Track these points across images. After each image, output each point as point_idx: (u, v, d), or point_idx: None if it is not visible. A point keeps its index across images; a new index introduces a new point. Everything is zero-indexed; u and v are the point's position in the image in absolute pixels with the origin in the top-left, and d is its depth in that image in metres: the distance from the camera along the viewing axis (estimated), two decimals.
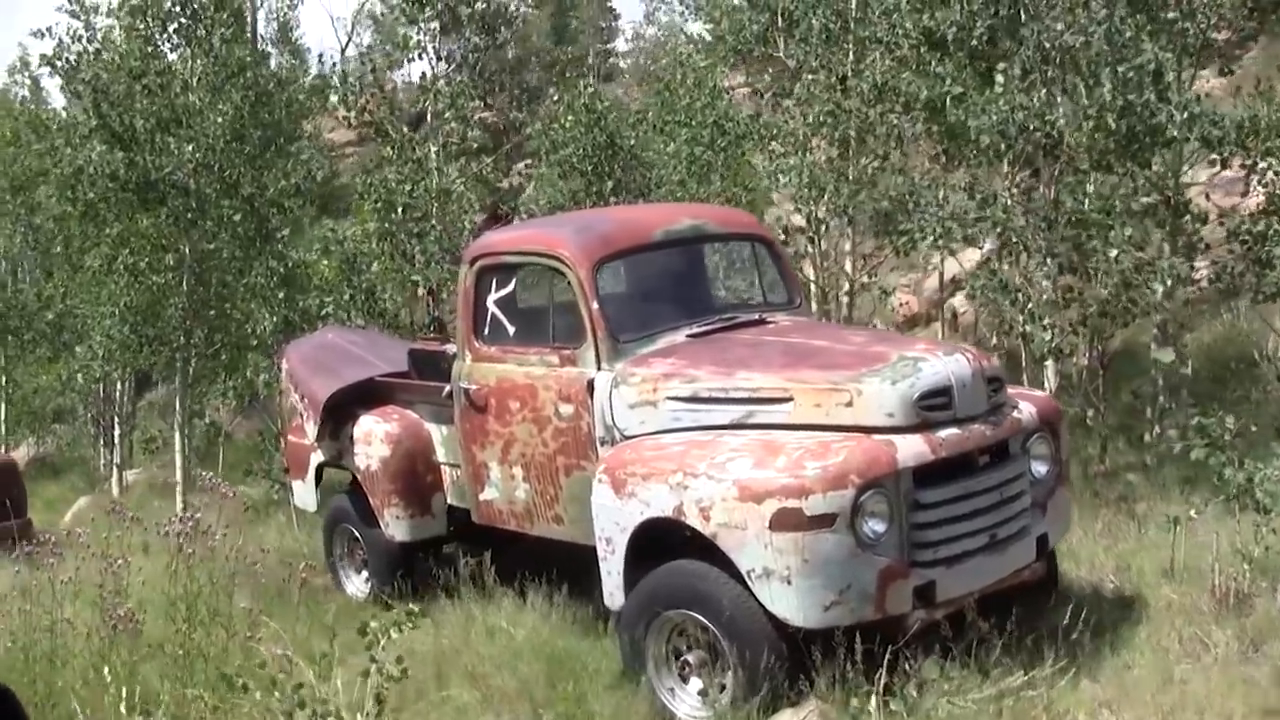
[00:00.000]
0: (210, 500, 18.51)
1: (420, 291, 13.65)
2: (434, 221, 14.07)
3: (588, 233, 8.58)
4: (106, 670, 7.56)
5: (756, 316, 8.73)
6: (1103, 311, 12.15)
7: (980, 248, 14.12)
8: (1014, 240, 12.24)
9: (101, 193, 16.17)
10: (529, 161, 15.42)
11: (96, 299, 20.98)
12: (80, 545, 9.91)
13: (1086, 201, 11.81)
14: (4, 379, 27.50)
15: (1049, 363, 12.40)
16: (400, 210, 13.96)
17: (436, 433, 9.85)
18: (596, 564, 7.77)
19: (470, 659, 7.86)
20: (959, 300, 19.69)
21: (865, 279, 14.77)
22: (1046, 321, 11.67)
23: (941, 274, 14.79)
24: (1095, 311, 12.14)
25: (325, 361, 10.96)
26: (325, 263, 14.33)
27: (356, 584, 10.70)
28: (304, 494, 11.21)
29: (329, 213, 21.03)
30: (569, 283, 8.26)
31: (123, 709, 6.58)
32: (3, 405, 26.92)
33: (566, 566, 8.80)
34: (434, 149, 14.67)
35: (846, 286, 14.66)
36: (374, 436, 9.98)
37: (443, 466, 9.86)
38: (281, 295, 15.04)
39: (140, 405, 25.03)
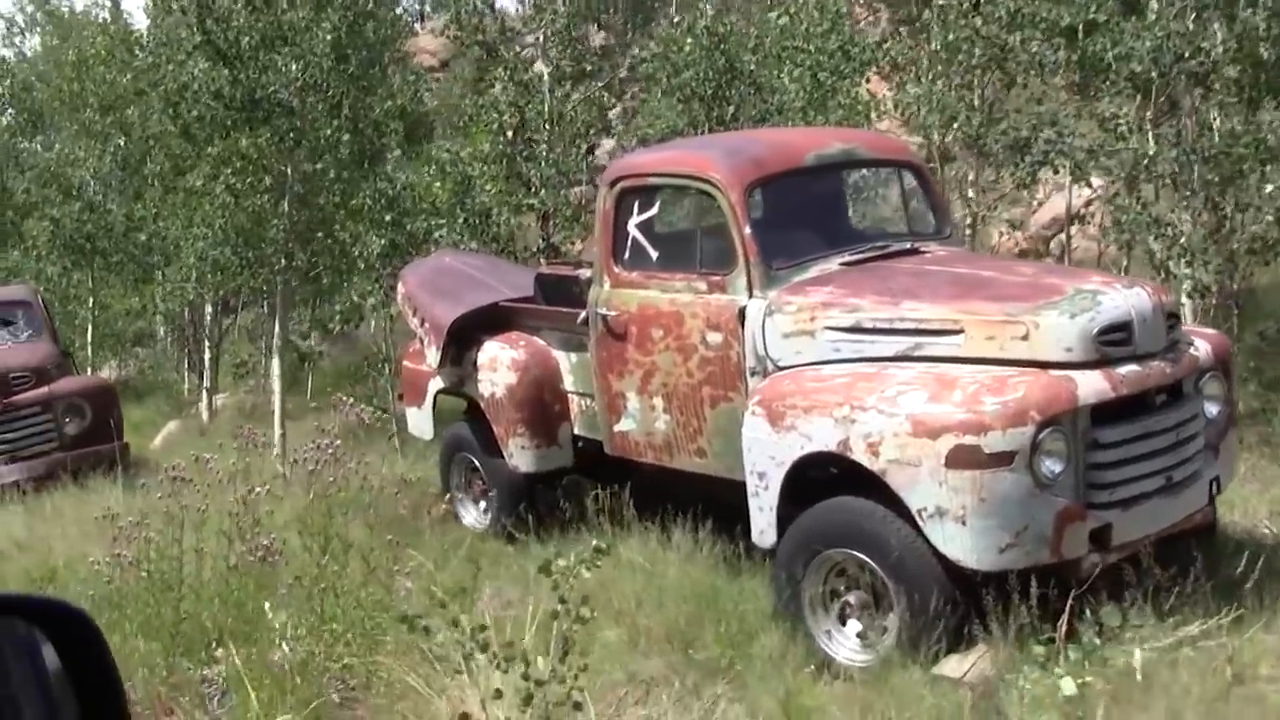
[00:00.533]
0: (319, 425, 18.55)
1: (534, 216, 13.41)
2: (546, 145, 13.79)
3: (739, 155, 8.30)
4: (251, 605, 7.44)
5: (909, 246, 8.43)
6: (1250, 249, 11.75)
7: (1090, 185, 13.71)
8: (1155, 175, 11.84)
9: (205, 111, 16.01)
10: (641, 85, 15.07)
11: (189, 220, 20.90)
12: (196, 470, 9.74)
13: (1237, 135, 11.38)
14: (91, 301, 27.51)
15: (1186, 301, 12.02)
16: (511, 133, 13.72)
17: (564, 360, 9.63)
18: (738, 499, 7.56)
19: (614, 597, 7.63)
20: (1062, 235, 19.30)
21: (987, 211, 14.42)
22: (1202, 258, 11.28)
23: (1069, 206, 14.37)
24: (1243, 249, 11.74)
25: (446, 285, 10.75)
26: (438, 185, 14.09)
27: (474, 514, 10.54)
28: (420, 421, 11.03)
29: (412, 139, 20.72)
30: (719, 206, 7.99)
31: (280, 643, 6.38)
32: (89, 328, 26.94)
33: (704, 501, 8.55)
34: (545, 71, 14.38)
35: (968, 219, 14.29)
36: (500, 363, 9.76)
37: (570, 395, 9.64)
38: (388, 218, 14.83)
39: (227, 329, 24.95)
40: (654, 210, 8.59)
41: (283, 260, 16.50)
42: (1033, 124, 12.41)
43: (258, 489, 8.17)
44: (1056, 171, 12.87)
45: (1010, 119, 12.55)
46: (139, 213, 24.94)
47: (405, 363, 11.26)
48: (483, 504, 10.48)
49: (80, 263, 26.45)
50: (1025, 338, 6.73)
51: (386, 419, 15.35)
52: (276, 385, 16.88)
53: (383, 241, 14.55)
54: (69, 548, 11.24)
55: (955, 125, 12.58)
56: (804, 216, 8.55)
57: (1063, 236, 19.58)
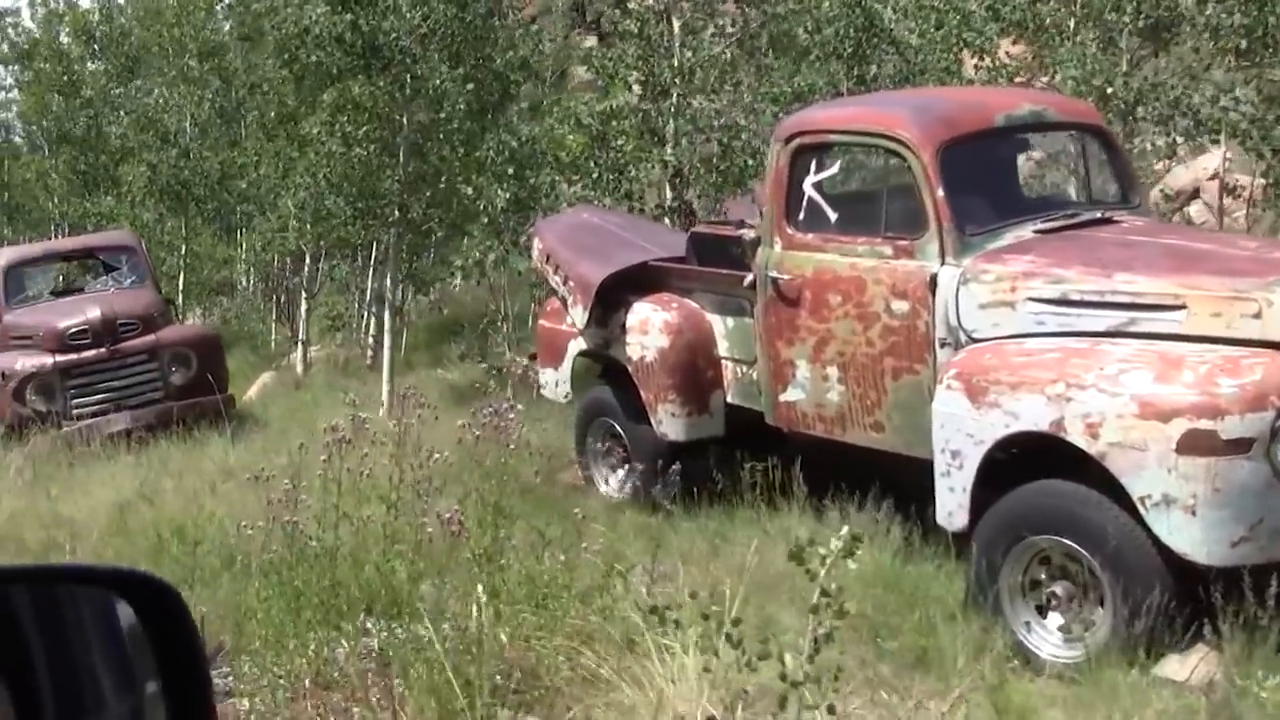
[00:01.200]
0: (417, 383, 18.30)
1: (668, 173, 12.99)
2: (677, 100, 13.38)
3: (928, 113, 7.89)
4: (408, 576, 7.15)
5: (1100, 214, 7.98)
6: None
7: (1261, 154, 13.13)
8: None
9: (323, 57, 15.71)
10: (776, 42, 14.62)
11: (290, 169, 20.68)
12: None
13: None
14: (184, 249, 27.39)
15: None
16: (639, 87, 13.32)
17: (719, 324, 9.26)
18: (914, 477, 7.20)
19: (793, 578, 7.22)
20: (1193, 209, 18.72)
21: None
22: None
23: (1222, 174, 13.82)
24: None
25: (589, 243, 10.40)
26: (572, 138, 13.71)
27: (612, 483, 10.20)
28: (556, 383, 10.69)
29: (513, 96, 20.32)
30: (908, 167, 7.58)
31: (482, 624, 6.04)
32: (181, 276, 26.83)
33: (873, 478, 8.16)
34: (676, 24, 13.95)
35: None
36: (652, 325, 9.39)
37: (724, 362, 9.27)
38: (511, 171, 14.48)
39: (322, 282, 24.71)
40: (833, 169, 8.21)
41: (395, 212, 16.20)
42: (1190, 89, 11.87)
43: (434, 455, 7.73)
44: (1215, 142, 12.36)
45: (1168, 85, 12.01)
46: (239, 160, 24.79)
47: (542, 322, 10.92)
48: (620, 472, 10.13)
49: (175, 209, 26.34)
50: (1258, 315, 6.30)
51: (500, 379, 15.03)
52: (386, 340, 16.62)
53: (507, 195, 14.19)
54: (186, 503, 11.03)
55: (1110, 90, 12.06)
56: (993, 180, 8.15)
57: (1190, 209, 19.02)
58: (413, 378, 19.71)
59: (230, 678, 7.00)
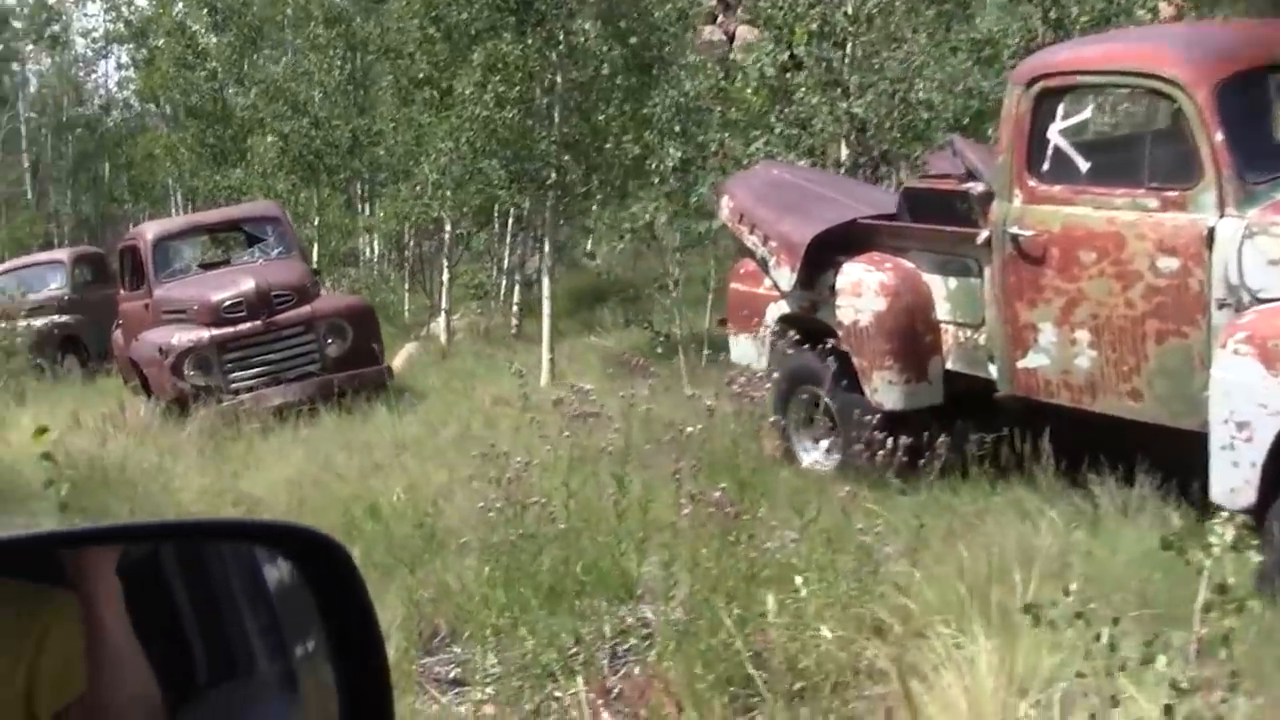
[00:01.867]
0: (570, 351, 17.91)
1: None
2: (853, 49, 12.75)
3: (1200, 47, 7.25)
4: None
5: None
6: None
7: None
8: None
9: (474, 14, 15.28)
10: None
11: (426, 136, 20.34)
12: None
13: None
14: (317, 220, 27.15)
15: None
16: (816, 38, 12.70)
17: (939, 285, 8.70)
18: (1176, 450, 6.61)
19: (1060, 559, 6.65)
20: None
21: None
22: None
23: None
24: None
25: (788, 200, 9.87)
26: (751, 91, 13.14)
27: (815, 455, 9.65)
28: (750, 349, 10.16)
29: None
30: (1178, 109, 6.95)
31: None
32: (315, 246, 26.55)
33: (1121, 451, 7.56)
34: None
35: None
36: (866, 287, 8.84)
37: (943, 325, 8.70)
38: (678, 129, 13.97)
39: (463, 250, 24.35)
40: (1084, 114, 7.61)
41: (552, 174, 15.75)
42: None
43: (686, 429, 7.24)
44: None
45: None
46: (373, 126, 24.49)
47: (734, 285, 10.41)
48: (825, 443, 9.59)
49: (308, 179, 26.09)
50: None
51: (668, 345, 14.58)
52: (545, 307, 16.20)
53: (678, 154, 13.67)
54: (364, 478, 10.68)
55: None
56: (1271, 122, 7.48)
57: None
58: (565, 345, 19.35)
59: (454, 666, 6.61)
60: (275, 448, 12.51)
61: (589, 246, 15.28)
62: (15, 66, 50.83)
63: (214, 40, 30.51)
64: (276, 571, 2.19)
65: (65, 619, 1.96)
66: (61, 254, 28.00)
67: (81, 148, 52.32)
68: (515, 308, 22.27)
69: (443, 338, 21.63)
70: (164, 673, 1.98)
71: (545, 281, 16.40)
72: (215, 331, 14.69)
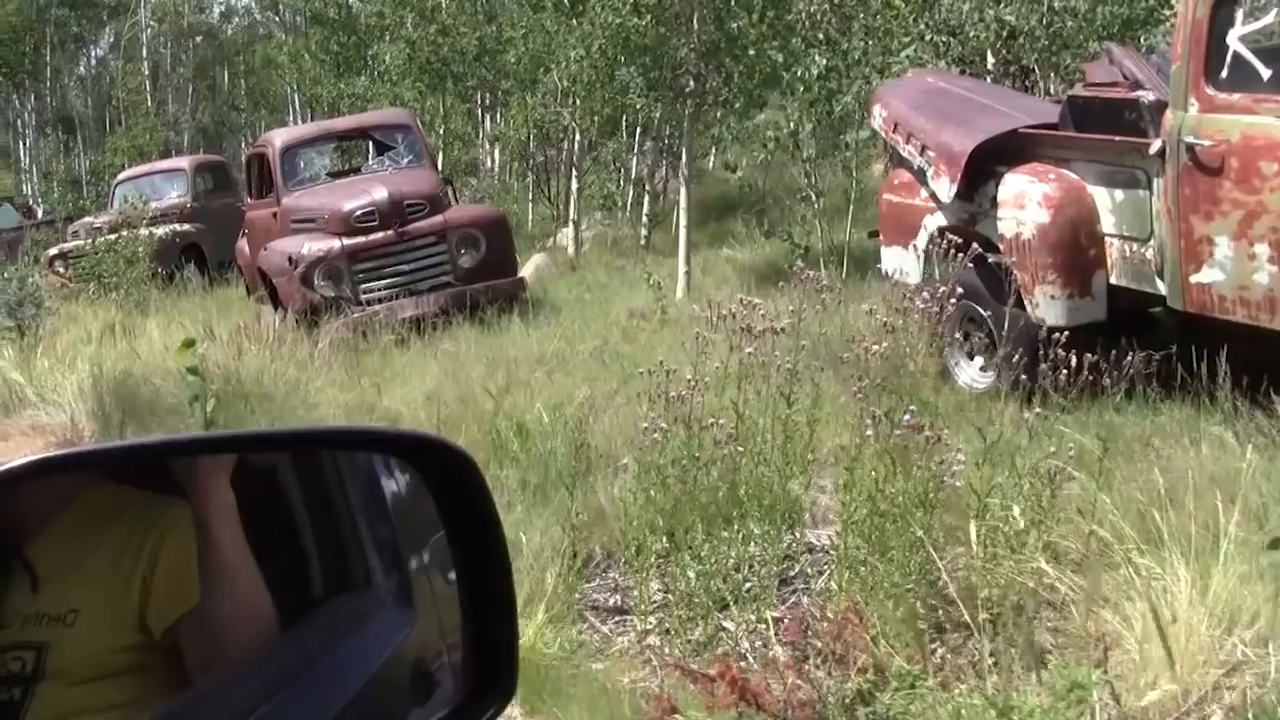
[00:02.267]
0: (702, 263, 17.78)
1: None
2: None
3: None
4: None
5: None
6: None
7: None
8: None
9: None
10: None
11: (556, 43, 20.21)
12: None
13: None
14: (442, 129, 27.14)
15: None
16: None
17: (1104, 197, 8.44)
18: None
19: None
20: None
21: None
22: None
23: None
24: None
25: (947, 109, 9.64)
26: None
27: (970, 373, 9.46)
28: (904, 262, 9.98)
29: None
30: None
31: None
32: (440, 155, 26.51)
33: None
34: None
35: None
36: (1029, 199, 8.61)
37: (1108, 239, 8.46)
38: (822, 36, 13.69)
39: (594, 158, 24.26)
40: (1266, 19, 7.30)
41: (690, 83, 15.54)
42: None
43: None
44: None
45: None
46: (505, 33, 24.37)
47: (886, 196, 10.21)
48: (980, 360, 9.40)
49: (435, 87, 26.04)
50: None
51: (808, 258, 14.40)
52: (683, 218, 16.05)
53: (823, 62, 13.43)
54: (505, 395, 10.62)
55: None
56: None
57: None
58: (698, 258, 19.23)
59: (615, 593, 6.55)
60: (410, 361, 12.49)
61: (730, 157, 15.01)
62: None
63: None
64: (394, 484, 2.22)
65: (181, 530, 1.97)
66: (183, 161, 28.17)
67: (200, 56, 52.71)
68: (645, 219, 22.13)
69: (570, 249, 21.58)
70: (281, 584, 2.00)
71: (683, 192, 16.23)
72: (346, 241, 14.64)
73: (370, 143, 18.61)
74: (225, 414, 9.00)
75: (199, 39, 53.07)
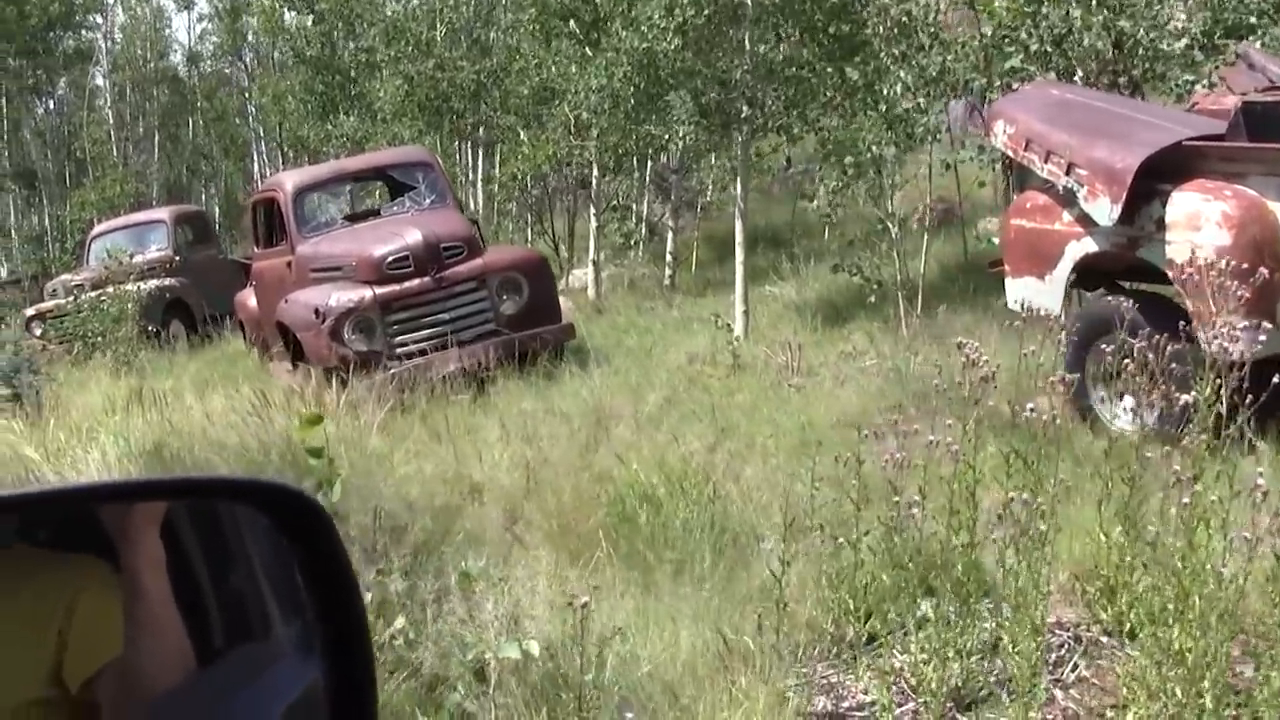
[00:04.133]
0: (758, 304, 16.99)
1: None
2: None
3: None
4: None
5: None
6: None
7: None
8: None
9: None
10: None
11: (574, 73, 19.54)
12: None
13: None
14: (488, 161, 26.20)
15: None
16: None
17: None
18: None
19: None
20: None
21: None
22: None
23: None
24: None
25: (1089, 123, 8.93)
26: (1000, 3, 12.01)
27: (1122, 415, 8.69)
28: (1040, 293, 9.21)
29: None
30: None
31: None
32: (478, 188, 25.69)
33: None
34: None
35: None
36: (1204, 219, 7.89)
37: None
38: (898, 51, 12.93)
39: (614, 195, 23.49)
40: None
41: (744, 107, 14.75)
42: None
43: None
44: None
45: None
46: (516, 64, 23.57)
47: (1016, 221, 9.45)
48: (1128, 400, 8.62)
49: (434, 125, 25.24)
50: None
51: (880, 291, 13.71)
52: (739, 255, 15.23)
53: (906, 79, 12.69)
54: (585, 453, 9.82)
55: None
56: None
57: None
58: (726, 296, 18.47)
59: (826, 695, 5.71)
60: (473, 420, 11.64)
61: (809, 186, 14.20)
62: (98, 19, 50.23)
63: None
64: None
65: (96, 586, 2.03)
66: (162, 213, 27.40)
67: (165, 104, 51.80)
68: (670, 256, 21.33)
69: (590, 290, 20.78)
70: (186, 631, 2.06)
71: (738, 226, 15.38)
72: (378, 290, 13.76)
73: (386, 183, 17.74)
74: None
75: (164, 84, 52.16)
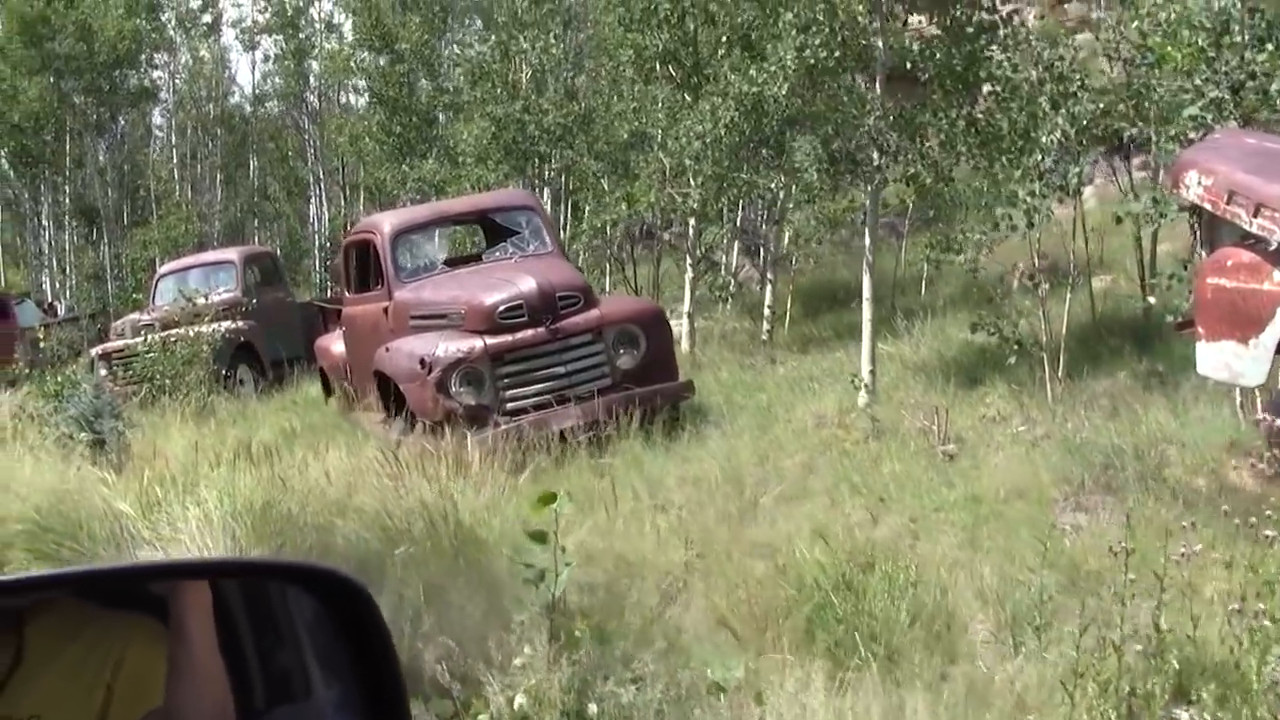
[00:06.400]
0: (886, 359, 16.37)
1: None
2: None
3: None
4: None
5: None
6: None
7: None
8: None
9: None
10: None
11: (676, 116, 19.06)
12: None
13: None
14: (567, 209, 25.67)
15: None
16: None
17: None
18: None
19: None
20: None
21: None
22: None
23: None
24: None
25: None
26: (1172, 47, 11.30)
27: None
28: (1241, 360, 8.57)
29: None
30: None
31: None
32: (566, 227, 25.09)
33: None
34: None
35: None
36: None
37: None
38: (1044, 98, 12.29)
39: (709, 248, 22.90)
40: None
41: (875, 155, 14.14)
42: None
43: None
44: None
45: None
46: (614, 106, 23.06)
47: (1213, 280, 8.80)
48: None
49: (520, 168, 24.72)
50: None
51: (1019, 352, 13.09)
52: (866, 311, 14.57)
53: (1066, 125, 12.07)
54: (740, 529, 9.20)
55: None
56: None
57: None
58: (840, 354, 17.87)
59: None
60: (585, 483, 10.96)
61: (959, 237, 13.55)
62: (165, 58, 49.98)
63: (403, 20, 29.29)
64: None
65: (144, 641, 2.25)
66: (231, 253, 27.00)
67: (228, 143, 51.56)
68: (768, 310, 20.69)
69: (685, 344, 20.19)
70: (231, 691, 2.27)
71: (865, 282, 14.69)
72: (490, 340, 13.17)
73: (484, 228, 17.20)
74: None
75: (232, 123, 51.95)
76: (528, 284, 13.37)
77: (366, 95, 32.14)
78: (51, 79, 41.41)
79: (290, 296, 26.67)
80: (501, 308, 13.30)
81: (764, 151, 19.41)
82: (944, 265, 17.12)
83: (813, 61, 14.00)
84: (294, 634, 2.43)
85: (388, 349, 14.13)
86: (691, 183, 19.50)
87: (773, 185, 19.02)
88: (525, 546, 6.19)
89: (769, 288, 20.87)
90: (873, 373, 14.21)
